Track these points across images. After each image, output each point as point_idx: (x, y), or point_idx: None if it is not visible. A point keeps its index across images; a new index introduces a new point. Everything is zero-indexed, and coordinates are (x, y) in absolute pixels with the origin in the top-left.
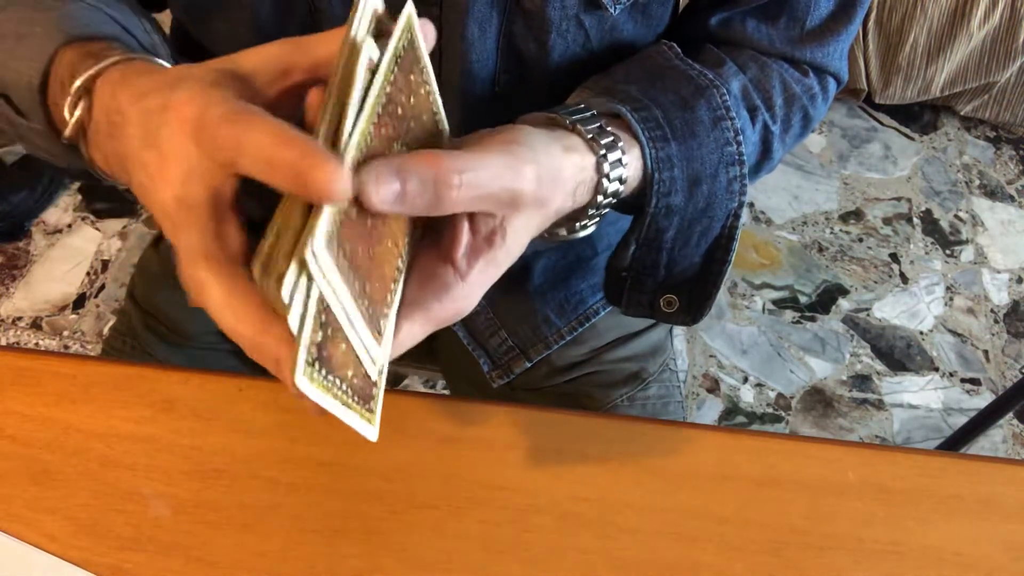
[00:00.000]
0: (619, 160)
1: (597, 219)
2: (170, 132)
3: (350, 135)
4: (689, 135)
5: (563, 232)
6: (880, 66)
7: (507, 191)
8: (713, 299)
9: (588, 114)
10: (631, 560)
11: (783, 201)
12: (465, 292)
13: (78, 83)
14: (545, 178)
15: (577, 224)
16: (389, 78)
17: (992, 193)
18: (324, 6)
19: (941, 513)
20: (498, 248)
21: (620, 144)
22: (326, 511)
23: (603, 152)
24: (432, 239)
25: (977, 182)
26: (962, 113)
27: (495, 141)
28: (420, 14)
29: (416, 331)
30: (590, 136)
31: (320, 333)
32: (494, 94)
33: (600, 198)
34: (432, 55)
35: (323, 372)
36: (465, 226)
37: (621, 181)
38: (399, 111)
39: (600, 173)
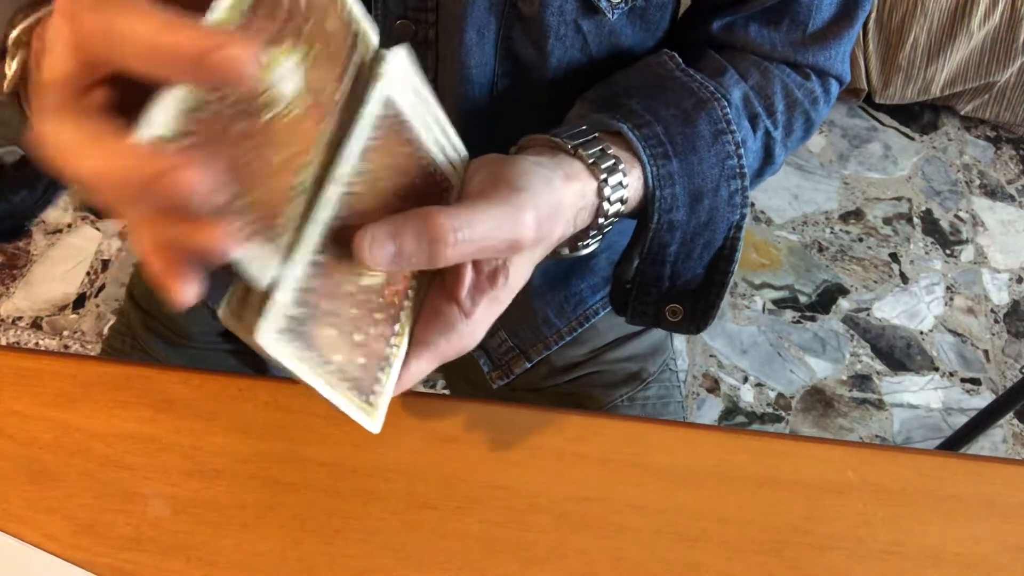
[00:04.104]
0: (620, 183)
1: (599, 238)
2: (53, 23)
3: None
4: (690, 150)
5: (565, 251)
6: (880, 66)
7: (506, 241)
8: (717, 308)
9: (590, 137)
10: (631, 560)
11: (783, 201)
12: (470, 330)
13: (13, 36)
14: (544, 217)
15: (579, 244)
16: (367, 143)
17: (992, 193)
18: None
19: (941, 513)
20: (501, 287)
21: (621, 167)
22: (326, 511)
23: (604, 177)
24: (439, 278)
25: (977, 182)
26: (962, 113)
27: (496, 187)
28: (416, 19)
29: (423, 367)
30: (591, 161)
31: (300, 310)
32: (492, 98)
33: (601, 220)
34: (429, 60)
35: (297, 344)
36: (468, 268)
37: (622, 202)
38: (380, 172)
39: (601, 197)
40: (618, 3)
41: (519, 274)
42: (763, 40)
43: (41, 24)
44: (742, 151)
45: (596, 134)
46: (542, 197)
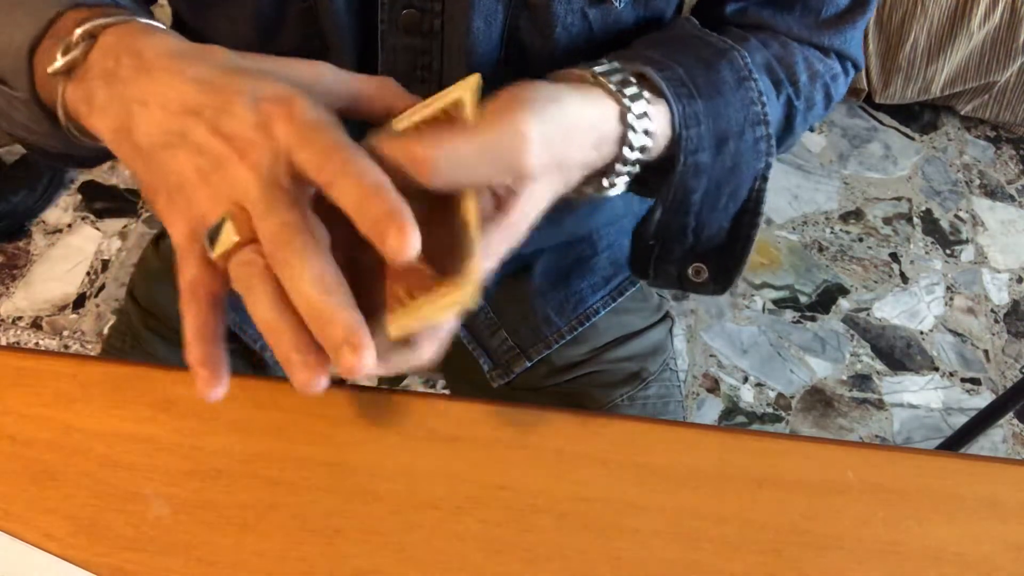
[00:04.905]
0: (644, 113)
1: (626, 176)
2: (269, 129)
3: None
4: (714, 93)
5: (590, 190)
6: (880, 66)
7: (504, 165)
8: (742, 267)
9: (612, 66)
10: (631, 560)
11: (783, 201)
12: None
13: (82, 29)
14: (554, 137)
15: (605, 181)
16: None
17: (992, 193)
18: None
19: (941, 513)
20: (512, 211)
21: (645, 95)
22: (326, 511)
23: (627, 103)
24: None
25: (977, 182)
26: (962, 113)
27: (496, 111)
28: (422, 8)
29: None
30: (614, 88)
31: None
32: (494, 86)
33: (627, 151)
34: (434, 50)
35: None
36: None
37: (647, 133)
38: None
39: (625, 124)
40: None
41: (533, 202)
42: (778, 23)
43: (112, 28)
44: (765, 99)
45: (618, 65)
46: (551, 116)
